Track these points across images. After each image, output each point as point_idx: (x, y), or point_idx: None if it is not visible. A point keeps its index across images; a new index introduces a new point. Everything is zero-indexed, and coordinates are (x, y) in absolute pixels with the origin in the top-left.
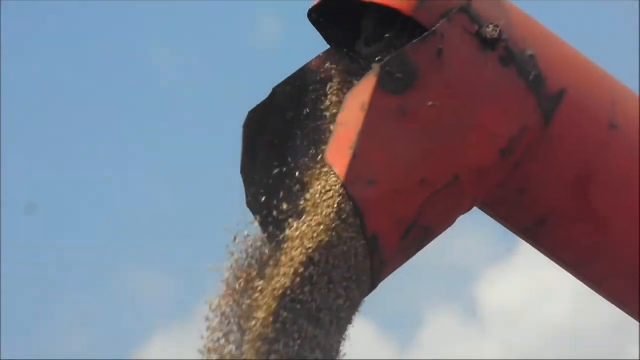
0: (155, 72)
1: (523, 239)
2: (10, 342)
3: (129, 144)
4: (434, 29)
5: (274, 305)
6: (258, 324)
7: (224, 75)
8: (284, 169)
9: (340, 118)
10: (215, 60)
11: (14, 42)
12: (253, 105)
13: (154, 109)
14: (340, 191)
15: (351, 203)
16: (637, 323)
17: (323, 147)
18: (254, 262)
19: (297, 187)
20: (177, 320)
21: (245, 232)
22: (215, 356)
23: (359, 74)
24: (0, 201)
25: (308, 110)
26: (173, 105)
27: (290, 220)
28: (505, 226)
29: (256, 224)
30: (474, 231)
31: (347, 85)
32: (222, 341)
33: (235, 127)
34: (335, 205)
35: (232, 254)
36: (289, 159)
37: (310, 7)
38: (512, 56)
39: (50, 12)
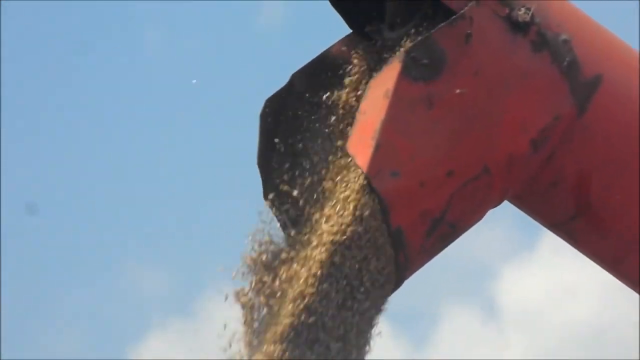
0: (152, 58)
1: (557, 234)
2: (10, 342)
3: (128, 140)
4: (462, 12)
5: (297, 308)
6: (282, 324)
7: (223, 61)
8: (303, 162)
9: (362, 106)
10: (214, 44)
11: (14, 42)
12: (256, 94)
13: (152, 99)
14: (362, 187)
15: (374, 196)
16: None
17: (342, 139)
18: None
19: (317, 180)
20: (175, 317)
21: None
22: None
23: (383, 60)
24: (0, 201)
25: (328, 98)
26: (172, 94)
27: (309, 218)
28: (538, 221)
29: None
30: (492, 225)
31: (369, 71)
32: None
33: (236, 118)
34: (356, 203)
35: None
36: (308, 150)
37: None
38: (544, 41)
39: (49, 10)
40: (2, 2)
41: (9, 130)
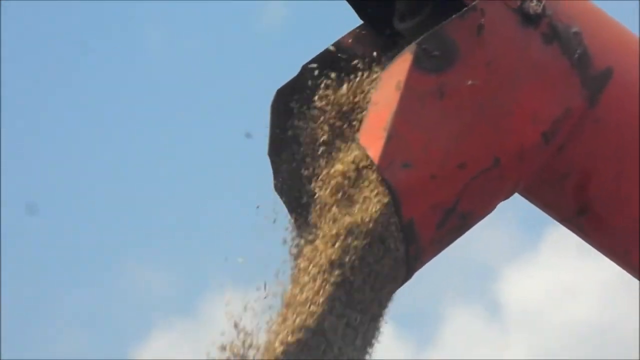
0: (153, 59)
1: (567, 227)
2: (10, 342)
3: (128, 140)
4: (473, 4)
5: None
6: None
7: (226, 61)
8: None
9: (374, 98)
10: (215, 45)
11: (14, 42)
12: (259, 95)
13: (153, 99)
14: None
15: (386, 188)
16: None
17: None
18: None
19: (326, 172)
20: (176, 317)
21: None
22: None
23: (395, 52)
24: (0, 201)
25: (340, 90)
26: (173, 95)
27: (318, 206)
28: (548, 214)
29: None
30: (494, 226)
31: (381, 63)
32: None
33: (237, 118)
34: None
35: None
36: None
37: None
38: (556, 33)
39: (49, 10)
40: (2, 2)
41: (9, 130)
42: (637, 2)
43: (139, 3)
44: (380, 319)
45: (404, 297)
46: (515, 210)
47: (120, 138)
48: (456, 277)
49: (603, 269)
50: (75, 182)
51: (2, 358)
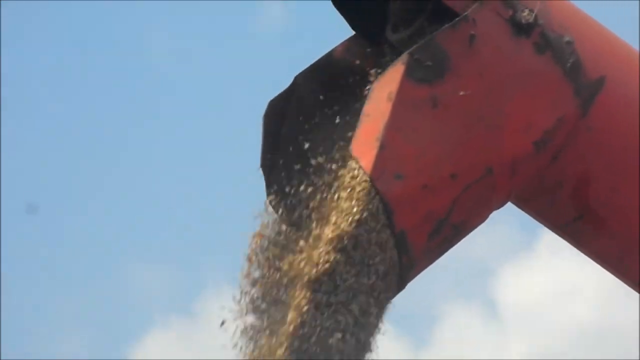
0: (152, 59)
1: (561, 236)
2: (10, 342)
3: (128, 140)
4: (465, 14)
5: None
6: (288, 320)
7: (225, 62)
8: (307, 163)
9: (366, 109)
10: (215, 46)
11: (14, 42)
12: (257, 96)
13: (152, 99)
14: (365, 190)
15: (378, 199)
16: None
17: (345, 141)
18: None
19: (320, 181)
20: (175, 316)
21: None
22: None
23: (386, 62)
24: (1, 201)
25: (333, 101)
26: (172, 95)
27: (313, 220)
28: (541, 223)
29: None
30: (491, 225)
31: (373, 74)
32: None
33: (238, 118)
34: (360, 205)
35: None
36: (312, 152)
37: None
38: (548, 42)
39: (49, 8)
40: (2, 2)
41: (9, 130)
42: (638, 2)
43: (139, 4)
44: (376, 327)
45: (403, 298)
46: (512, 210)
47: (119, 137)
48: (454, 277)
49: (602, 269)
50: (75, 182)
51: (2, 358)
